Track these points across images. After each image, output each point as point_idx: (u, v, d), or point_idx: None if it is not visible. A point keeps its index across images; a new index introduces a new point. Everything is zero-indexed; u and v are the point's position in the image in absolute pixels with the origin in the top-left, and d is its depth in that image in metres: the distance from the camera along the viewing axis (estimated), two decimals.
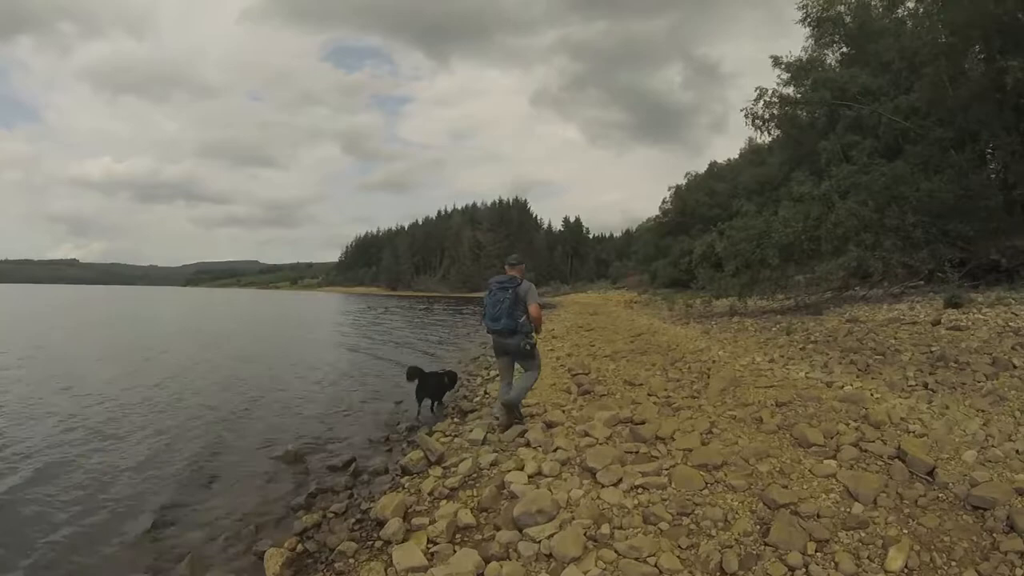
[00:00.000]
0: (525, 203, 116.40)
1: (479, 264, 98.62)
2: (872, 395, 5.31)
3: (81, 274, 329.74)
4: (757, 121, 19.16)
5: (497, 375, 7.20)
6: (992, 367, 5.84)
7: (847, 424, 4.55)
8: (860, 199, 12.91)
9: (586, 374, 7.64)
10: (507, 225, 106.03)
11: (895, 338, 7.84)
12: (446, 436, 5.75)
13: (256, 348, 15.57)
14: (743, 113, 19.02)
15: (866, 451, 4.05)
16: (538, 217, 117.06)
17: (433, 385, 7.24)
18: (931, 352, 6.78)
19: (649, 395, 6.27)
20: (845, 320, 10.16)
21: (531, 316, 4.95)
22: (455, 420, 6.51)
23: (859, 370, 6.40)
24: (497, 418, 5.42)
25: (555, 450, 4.56)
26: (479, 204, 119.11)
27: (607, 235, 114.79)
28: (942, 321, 8.58)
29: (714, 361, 7.97)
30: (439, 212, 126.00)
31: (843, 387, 5.72)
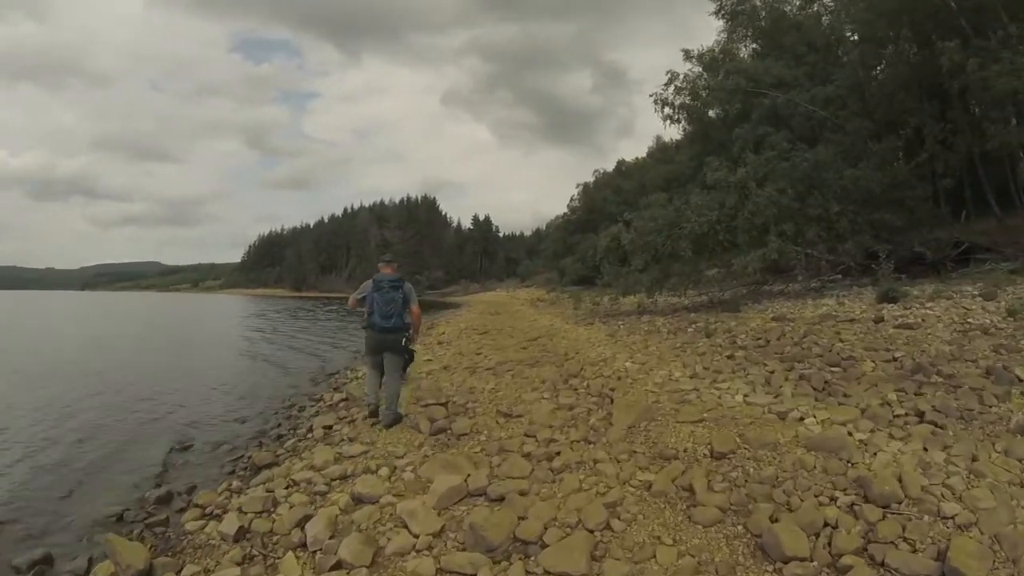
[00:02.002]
0: (434, 201, 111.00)
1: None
2: (852, 435, 3.37)
3: None
4: (667, 108, 17.98)
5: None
6: (991, 381, 4.17)
7: (834, 501, 2.54)
8: (779, 187, 11.61)
9: (443, 404, 5.31)
10: (415, 223, 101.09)
11: (841, 341, 6.18)
12: (202, 517, 3.33)
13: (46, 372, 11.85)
14: (652, 99, 17.82)
15: (886, 568, 2.04)
16: (447, 215, 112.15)
17: None
18: (896, 360, 5.10)
19: (527, 436, 4.11)
20: (771, 318, 8.60)
21: (414, 315, 4.98)
22: (233, 485, 3.97)
23: (815, 389, 4.48)
24: (375, 416, 5.00)
25: (333, 567, 2.27)
26: (387, 202, 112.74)
27: (517, 234, 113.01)
28: (885, 318, 7.16)
29: (619, 377, 5.88)
30: (345, 210, 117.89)
31: (803, 419, 3.74)
